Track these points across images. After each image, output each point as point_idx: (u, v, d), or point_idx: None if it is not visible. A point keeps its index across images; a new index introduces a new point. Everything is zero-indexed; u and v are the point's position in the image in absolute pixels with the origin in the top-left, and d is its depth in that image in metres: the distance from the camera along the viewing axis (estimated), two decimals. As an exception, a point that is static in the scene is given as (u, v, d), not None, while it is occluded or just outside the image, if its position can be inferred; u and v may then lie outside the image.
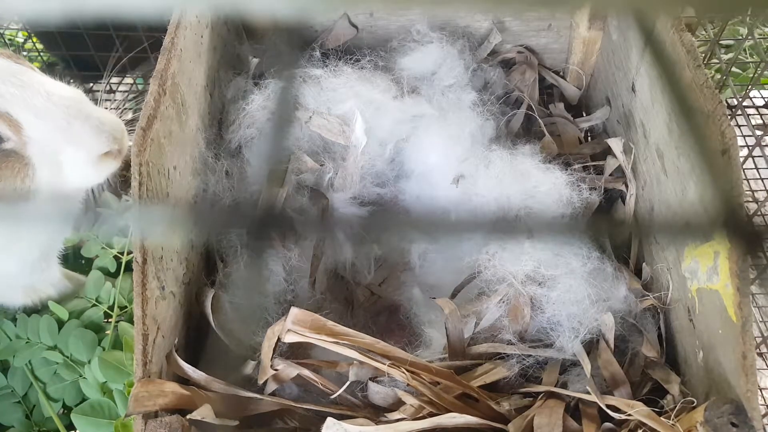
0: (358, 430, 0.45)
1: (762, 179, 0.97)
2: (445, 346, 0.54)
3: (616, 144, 0.66)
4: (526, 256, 0.56)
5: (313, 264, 0.62)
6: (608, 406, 0.48)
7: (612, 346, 0.53)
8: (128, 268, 0.74)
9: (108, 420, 0.63)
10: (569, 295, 0.55)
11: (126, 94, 1.15)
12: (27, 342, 0.68)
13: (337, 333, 0.49)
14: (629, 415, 0.46)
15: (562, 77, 0.79)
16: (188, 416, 0.45)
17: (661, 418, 0.46)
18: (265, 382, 0.50)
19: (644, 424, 0.46)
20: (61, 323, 0.69)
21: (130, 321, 0.69)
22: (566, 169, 0.64)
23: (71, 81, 1.12)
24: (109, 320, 0.70)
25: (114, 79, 1.16)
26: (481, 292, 0.57)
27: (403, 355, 0.49)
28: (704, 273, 0.47)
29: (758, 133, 0.86)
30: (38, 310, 0.71)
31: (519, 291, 0.55)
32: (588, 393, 0.49)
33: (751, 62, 1.10)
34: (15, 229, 0.57)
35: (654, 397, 0.50)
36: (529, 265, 0.56)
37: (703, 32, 1.06)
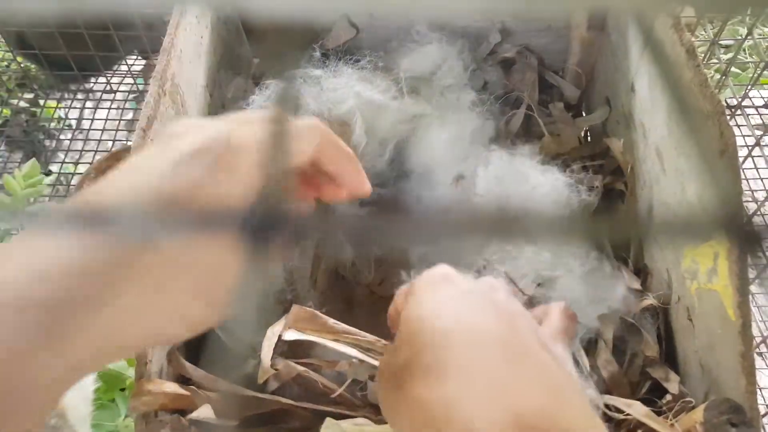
0: (356, 429, 0.45)
1: (762, 179, 0.97)
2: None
3: (615, 144, 0.66)
4: (525, 255, 0.56)
5: (314, 264, 0.62)
6: (606, 405, 0.48)
7: (611, 345, 0.53)
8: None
9: (109, 422, 0.63)
10: (568, 294, 0.55)
11: (126, 94, 1.15)
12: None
13: (337, 331, 0.49)
14: (628, 414, 0.47)
15: (562, 77, 0.79)
16: (188, 416, 0.45)
17: (660, 417, 0.46)
18: (266, 382, 0.50)
19: (643, 424, 0.46)
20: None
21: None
22: (566, 170, 0.64)
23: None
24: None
25: (114, 79, 1.16)
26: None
27: None
28: (704, 274, 0.47)
29: (758, 133, 0.86)
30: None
31: (518, 291, 0.55)
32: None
33: (751, 62, 1.10)
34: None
35: (653, 397, 0.50)
36: (528, 265, 0.56)
37: (703, 32, 1.06)
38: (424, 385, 0.30)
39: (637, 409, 0.46)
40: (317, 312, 0.50)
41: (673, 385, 0.49)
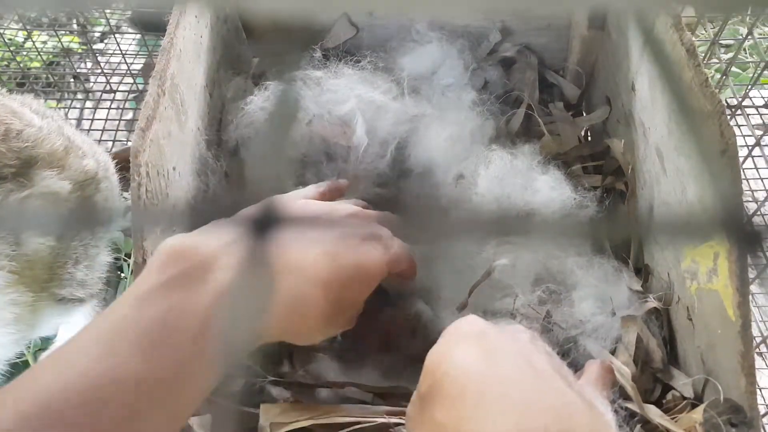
0: None
1: (762, 179, 0.97)
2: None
3: (616, 144, 0.66)
4: (527, 256, 0.56)
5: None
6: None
7: (632, 349, 0.52)
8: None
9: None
10: (571, 295, 0.55)
11: (126, 93, 1.15)
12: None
13: (326, 410, 0.46)
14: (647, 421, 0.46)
15: (562, 76, 0.79)
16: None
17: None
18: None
19: (648, 422, 0.46)
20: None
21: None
22: (566, 169, 0.64)
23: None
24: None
25: (114, 79, 1.16)
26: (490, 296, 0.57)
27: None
28: (704, 274, 0.47)
29: (758, 133, 0.86)
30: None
31: (528, 301, 0.54)
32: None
33: (751, 62, 1.10)
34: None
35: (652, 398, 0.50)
36: (530, 266, 0.56)
37: (703, 32, 1.06)
38: (441, 407, 0.33)
39: (652, 412, 0.46)
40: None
41: (687, 389, 0.49)
